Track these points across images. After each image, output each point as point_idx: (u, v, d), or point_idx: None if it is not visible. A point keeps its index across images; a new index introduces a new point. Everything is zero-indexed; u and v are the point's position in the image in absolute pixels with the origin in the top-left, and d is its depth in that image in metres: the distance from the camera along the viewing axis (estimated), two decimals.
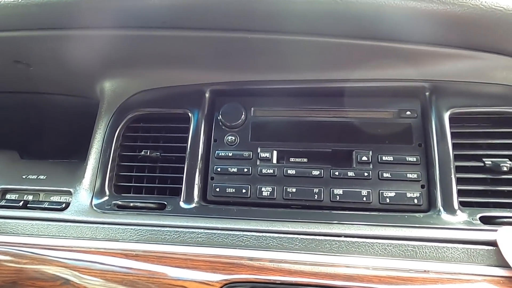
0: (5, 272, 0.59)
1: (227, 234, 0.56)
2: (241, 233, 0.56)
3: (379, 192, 0.59)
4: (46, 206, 0.64)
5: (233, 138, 0.66)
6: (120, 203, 0.63)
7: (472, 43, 0.57)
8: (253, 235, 0.55)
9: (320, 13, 0.52)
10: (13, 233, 0.62)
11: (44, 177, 0.70)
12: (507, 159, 0.57)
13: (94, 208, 0.63)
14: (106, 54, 0.66)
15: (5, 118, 0.86)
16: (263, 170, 0.63)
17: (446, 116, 0.60)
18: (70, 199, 0.65)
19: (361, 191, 0.59)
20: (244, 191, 0.62)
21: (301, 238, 0.54)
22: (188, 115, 0.67)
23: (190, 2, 0.53)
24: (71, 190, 0.66)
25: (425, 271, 0.49)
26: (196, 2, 0.53)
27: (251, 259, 0.53)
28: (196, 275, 0.52)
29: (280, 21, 0.55)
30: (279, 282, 0.50)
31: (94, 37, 0.62)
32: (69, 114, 0.85)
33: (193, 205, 0.62)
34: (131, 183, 0.67)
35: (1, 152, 0.79)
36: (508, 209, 0.55)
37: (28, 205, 0.65)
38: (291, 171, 0.62)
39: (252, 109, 0.67)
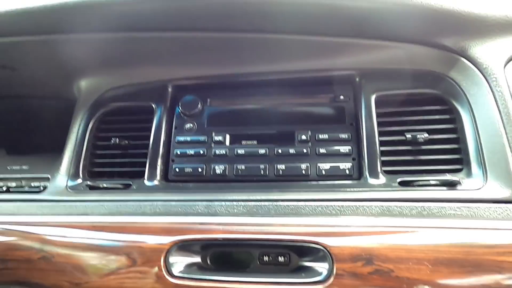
0: None
1: (181, 204, 0.64)
2: (194, 203, 0.64)
3: (316, 166, 0.67)
4: (26, 189, 0.72)
5: (191, 125, 0.75)
6: (91, 184, 0.71)
7: (389, 35, 0.67)
8: (204, 204, 0.63)
9: (264, 12, 0.62)
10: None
11: (27, 167, 0.79)
12: (425, 132, 0.65)
13: (69, 190, 0.72)
14: (82, 56, 0.76)
15: None
16: (216, 151, 0.71)
17: (372, 99, 0.69)
18: (48, 184, 0.73)
19: (300, 165, 0.68)
20: (200, 170, 0.70)
21: (245, 204, 0.62)
22: (153, 107, 0.77)
23: (159, 8, 0.64)
24: (49, 176, 0.75)
25: (347, 225, 0.57)
26: (162, 8, 0.64)
27: (201, 224, 0.61)
28: (151, 239, 0.60)
29: (232, 21, 0.65)
30: (221, 239, 0.57)
31: (72, 41, 0.72)
32: (50, 115, 0.94)
33: (155, 183, 0.70)
34: (104, 168, 0.76)
35: None
36: (425, 174, 0.63)
37: (10, 190, 0.73)
38: (241, 151, 0.71)
39: (208, 100, 0.77)
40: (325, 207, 0.60)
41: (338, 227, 0.56)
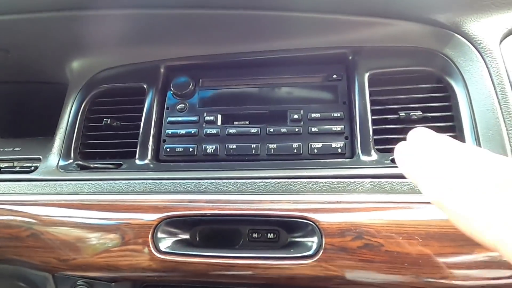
0: None
1: (171, 182, 0.63)
2: (184, 181, 0.63)
3: (308, 145, 0.66)
4: (17, 170, 0.72)
5: (183, 106, 0.74)
6: (82, 163, 0.71)
7: (383, 12, 0.66)
8: (194, 182, 0.62)
9: None
10: None
11: (19, 149, 0.79)
12: (419, 111, 0.64)
13: (60, 170, 0.71)
14: (75, 36, 0.76)
15: None
16: (208, 131, 0.70)
17: (366, 77, 0.68)
18: (39, 164, 0.73)
19: (292, 144, 0.67)
20: (191, 149, 0.70)
21: (235, 182, 0.61)
22: (144, 88, 0.76)
23: None
24: (40, 157, 0.75)
25: (337, 201, 0.56)
26: None
27: (190, 201, 0.60)
28: (139, 216, 0.59)
29: None
30: (209, 214, 0.57)
31: (65, 20, 0.72)
32: (43, 99, 0.94)
33: (146, 162, 0.70)
34: (95, 149, 0.75)
35: None
36: None
37: (1, 170, 0.73)
38: (232, 131, 0.70)
39: (200, 80, 0.76)
40: (315, 183, 0.59)
41: (328, 203, 0.56)
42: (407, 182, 0.56)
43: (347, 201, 0.55)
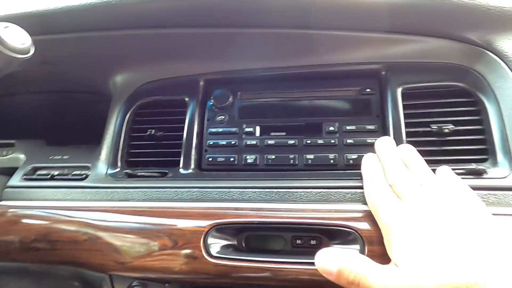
0: (37, 228, 0.72)
1: (216, 191, 0.68)
2: (228, 189, 0.67)
3: (344, 156, 0.70)
4: (69, 177, 0.77)
5: (223, 117, 0.79)
6: (129, 172, 0.76)
7: (415, 30, 0.70)
8: (238, 191, 0.67)
9: (294, 7, 0.66)
10: (42, 199, 0.75)
11: (68, 157, 0.84)
12: (450, 124, 0.68)
13: (109, 177, 0.76)
14: (119, 51, 0.81)
15: (33, 114, 1.02)
16: (247, 142, 0.75)
17: (399, 91, 0.71)
18: (89, 172, 0.78)
19: (328, 155, 0.71)
20: (232, 159, 0.74)
21: (277, 191, 0.65)
22: (185, 100, 0.81)
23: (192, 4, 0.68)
24: (89, 165, 0.80)
25: None
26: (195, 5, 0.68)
27: (235, 209, 0.64)
28: (190, 222, 0.64)
29: (259, 17, 0.69)
30: (256, 222, 0.61)
31: (108, 38, 0.77)
32: (87, 108, 1.00)
33: (190, 171, 0.74)
34: (140, 158, 0.80)
35: (30, 141, 0.94)
36: (450, 164, 0.65)
37: (54, 177, 0.78)
38: (271, 142, 0.74)
39: (239, 93, 0.80)
40: (354, 193, 0.63)
41: (368, 211, 0.59)
42: None
43: None
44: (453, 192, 0.52)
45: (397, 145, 0.68)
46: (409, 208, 0.50)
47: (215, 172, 0.74)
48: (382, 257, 0.54)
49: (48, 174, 0.79)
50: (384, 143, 0.63)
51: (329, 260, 0.50)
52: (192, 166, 0.75)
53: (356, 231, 0.57)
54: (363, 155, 0.69)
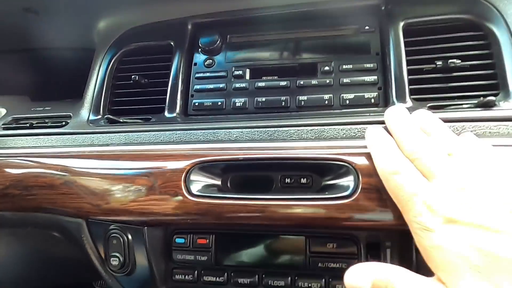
0: (12, 174, 0.67)
1: (201, 132, 0.63)
2: (214, 131, 0.62)
3: (340, 96, 0.65)
4: (48, 125, 0.73)
5: (211, 61, 0.73)
6: (112, 117, 0.71)
7: None
8: (224, 132, 0.62)
9: None
10: (21, 147, 0.71)
11: (49, 108, 0.80)
12: (457, 59, 0.62)
13: (90, 124, 0.72)
14: None
15: (16, 72, 0.98)
16: (236, 85, 0.70)
17: (400, 27, 0.65)
18: (69, 120, 0.74)
19: (323, 96, 0.65)
20: (219, 103, 0.69)
21: (266, 130, 0.60)
22: (172, 45, 0.76)
23: None
24: (71, 114, 0.76)
25: None
26: None
27: (221, 149, 0.59)
28: (171, 163, 0.59)
29: None
30: (242, 159, 0.56)
31: None
32: (70, 65, 0.95)
33: (174, 115, 0.69)
34: (123, 106, 0.76)
35: (13, 96, 0.90)
36: (458, 100, 0.59)
37: (33, 126, 0.74)
38: (261, 84, 0.69)
39: (228, 36, 0.75)
40: (349, 130, 0.57)
41: (364, 148, 0.54)
42: (448, 126, 0.53)
43: None
44: (493, 163, 0.39)
45: (397, 83, 0.62)
46: (448, 190, 0.37)
47: (202, 117, 0.69)
48: (379, 190, 0.49)
49: (27, 123, 0.75)
50: (395, 111, 0.49)
51: (361, 275, 0.40)
52: (177, 111, 0.70)
53: (350, 164, 0.52)
54: (360, 95, 0.64)
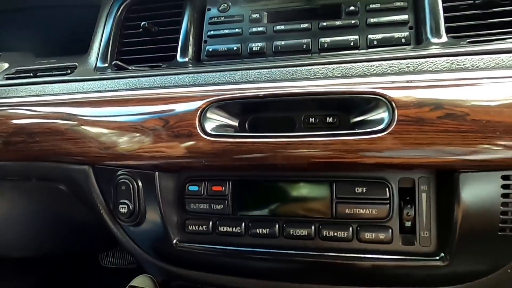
0: (15, 122, 0.63)
1: (216, 75, 0.58)
2: (230, 73, 0.57)
3: (366, 37, 0.59)
4: (53, 72, 0.69)
5: (225, 5, 0.68)
6: (120, 64, 0.66)
7: None
8: (242, 73, 0.57)
9: None
10: (25, 95, 0.67)
11: (54, 60, 0.76)
12: None
13: (98, 71, 0.68)
14: None
15: (21, 30, 0.94)
16: (253, 29, 0.65)
17: None
18: (75, 69, 0.70)
19: (348, 38, 0.60)
20: (235, 48, 0.64)
21: (287, 70, 0.55)
22: None
23: None
24: (77, 63, 0.71)
25: (407, 81, 0.49)
26: None
27: (239, 89, 0.55)
28: (184, 105, 0.54)
29: None
30: (262, 96, 0.51)
31: None
32: (74, 22, 0.91)
33: (186, 60, 0.65)
34: (132, 56, 0.71)
35: (18, 53, 0.86)
36: (498, 35, 0.54)
37: (38, 74, 0.70)
38: (280, 27, 0.63)
39: None
40: (379, 66, 0.52)
41: (398, 82, 0.48)
42: (489, 58, 0.48)
43: (421, 80, 0.48)
44: None
45: (432, 21, 0.57)
46: None
47: (216, 62, 0.64)
48: (417, 121, 0.44)
49: (30, 72, 0.71)
50: None
51: None
52: (190, 56, 0.65)
53: (383, 97, 0.46)
54: (389, 36, 0.58)
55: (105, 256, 1.51)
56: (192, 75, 0.59)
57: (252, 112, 0.54)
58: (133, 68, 0.67)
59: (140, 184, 0.56)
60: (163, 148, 0.53)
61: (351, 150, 0.45)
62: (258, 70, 0.56)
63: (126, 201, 0.55)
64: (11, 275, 1.31)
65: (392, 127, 0.44)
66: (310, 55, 0.60)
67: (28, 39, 0.95)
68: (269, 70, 0.56)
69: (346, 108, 0.50)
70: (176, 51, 0.67)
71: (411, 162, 0.45)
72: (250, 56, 0.63)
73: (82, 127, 0.58)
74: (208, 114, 0.52)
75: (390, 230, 0.49)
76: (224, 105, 0.53)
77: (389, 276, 0.49)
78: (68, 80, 0.66)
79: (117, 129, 0.56)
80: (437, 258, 0.46)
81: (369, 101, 0.48)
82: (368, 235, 0.50)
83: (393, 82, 0.49)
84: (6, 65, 0.80)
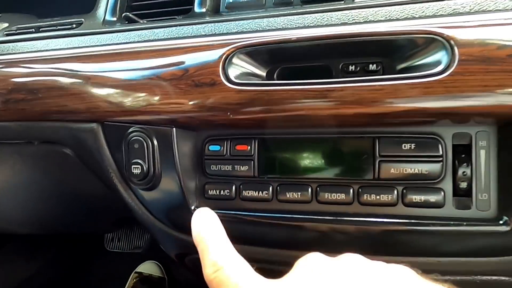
0: (15, 79, 0.58)
1: (239, 23, 0.51)
2: (254, 20, 0.51)
3: None
4: (58, 27, 0.63)
5: None
6: (131, 16, 0.60)
7: None
8: (268, 20, 0.50)
9: None
10: (26, 51, 0.61)
11: (58, 18, 0.70)
12: None
13: (106, 25, 0.61)
14: None
15: None
16: None
17: None
18: (82, 24, 0.64)
19: None
20: None
21: (321, 15, 0.48)
22: None
23: None
24: (82, 19, 0.65)
25: (464, 21, 0.42)
26: None
27: (266, 36, 0.48)
28: (204, 53, 0.48)
29: None
30: (294, 39, 0.44)
31: None
32: None
33: (204, 10, 0.58)
34: (144, 11, 0.65)
35: (18, 14, 0.80)
36: None
37: (40, 29, 0.64)
38: None
39: None
40: (429, 7, 0.45)
41: (454, 22, 0.42)
42: None
43: (481, 19, 0.42)
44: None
45: None
46: None
47: (237, 12, 0.58)
48: (483, 60, 0.37)
49: (32, 28, 0.65)
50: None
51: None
52: (208, 8, 0.59)
53: (439, 36, 0.40)
54: None
55: (110, 240, 1.46)
56: (212, 24, 0.53)
57: (282, 61, 0.47)
58: (145, 21, 0.60)
59: (155, 142, 0.50)
60: (182, 99, 0.46)
61: (403, 97, 0.39)
62: (287, 17, 0.50)
63: (140, 161, 0.49)
64: (15, 257, 1.27)
65: (453, 67, 0.38)
66: (343, 1, 0.54)
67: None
68: (300, 16, 0.49)
69: (391, 53, 0.44)
70: (193, 3, 0.60)
71: (475, 110, 0.38)
72: (275, 6, 0.57)
73: (90, 81, 0.52)
74: (234, 61, 0.46)
75: (442, 192, 0.43)
76: (251, 52, 0.46)
77: (441, 245, 0.43)
78: (73, 34, 0.60)
79: (129, 83, 0.50)
80: (500, 222, 0.40)
81: (419, 44, 0.41)
82: (416, 198, 0.43)
83: (447, 22, 0.42)
84: (6, 24, 0.74)
